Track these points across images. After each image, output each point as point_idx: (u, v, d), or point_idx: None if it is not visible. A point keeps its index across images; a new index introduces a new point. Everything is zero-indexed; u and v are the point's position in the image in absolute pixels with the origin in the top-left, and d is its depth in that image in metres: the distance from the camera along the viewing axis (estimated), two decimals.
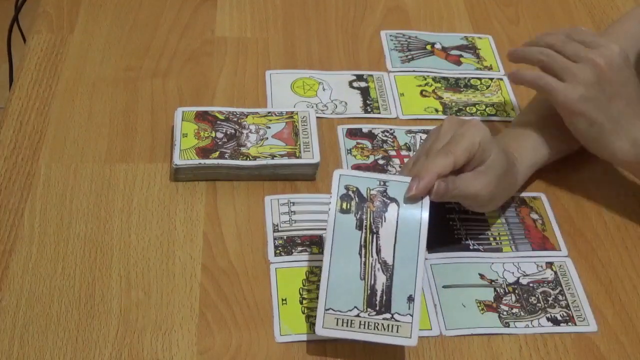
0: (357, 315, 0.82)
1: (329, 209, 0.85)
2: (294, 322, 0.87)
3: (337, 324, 0.82)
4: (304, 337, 0.86)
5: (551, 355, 0.86)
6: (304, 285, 0.90)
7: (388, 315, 0.82)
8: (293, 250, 0.94)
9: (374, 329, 0.82)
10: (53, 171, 1.01)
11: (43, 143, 1.04)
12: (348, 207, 0.85)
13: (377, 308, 0.82)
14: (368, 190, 0.86)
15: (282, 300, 0.89)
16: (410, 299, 0.82)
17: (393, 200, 0.85)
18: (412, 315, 0.82)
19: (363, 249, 0.84)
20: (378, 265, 0.83)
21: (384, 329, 0.82)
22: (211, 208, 0.98)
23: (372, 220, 0.84)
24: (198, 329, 0.86)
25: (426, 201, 0.85)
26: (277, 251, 0.94)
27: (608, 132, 0.95)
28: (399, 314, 0.82)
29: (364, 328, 0.82)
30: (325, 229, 0.85)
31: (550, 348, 0.87)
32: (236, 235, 0.95)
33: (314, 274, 0.91)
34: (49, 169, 1.01)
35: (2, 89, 1.85)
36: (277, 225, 0.96)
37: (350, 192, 0.85)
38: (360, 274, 0.83)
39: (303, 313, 0.88)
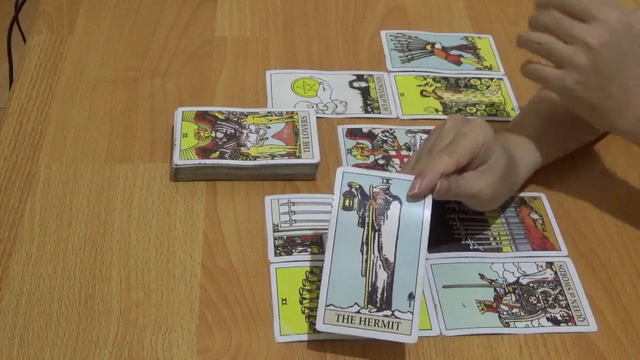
0: (358, 312, 0.82)
1: (332, 206, 0.85)
2: (294, 322, 0.87)
3: (337, 320, 0.82)
4: (304, 337, 0.86)
5: (551, 355, 0.86)
6: (304, 285, 0.90)
7: (388, 312, 0.82)
8: (293, 250, 0.94)
9: (374, 325, 0.82)
10: (53, 171, 1.01)
11: (43, 143, 1.04)
12: (350, 204, 0.85)
13: (378, 305, 0.83)
14: (371, 188, 0.86)
15: (282, 300, 0.89)
16: (411, 296, 0.83)
17: (395, 198, 0.85)
18: (412, 313, 0.82)
19: (365, 246, 0.84)
20: (379, 263, 0.84)
21: (384, 326, 0.82)
22: (211, 208, 0.98)
23: (374, 218, 0.85)
24: (198, 329, 0.86)
25: (428, 200, 0.86)
26: (277, 251, 0.94)
27: (611, 112, 0.91)
28: (399, 311, 0.82)
29: (364, 325, 0.82)
30: (326, 228, 0.85)
31: (550, 348, 0.87)
32: (236, 235, 0.95)
33: (314, 274, 0.91)
34: (49, 169, 1.01)
35: (2, 89, 1.85)
36: (277, 225, 0.96)
37: (353, 190, 0.86)
38: (362, 270, 0.83)
39: (303, 313, 0.88)
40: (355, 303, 0.83)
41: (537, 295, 0.91)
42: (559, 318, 0.89)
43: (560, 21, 0.91)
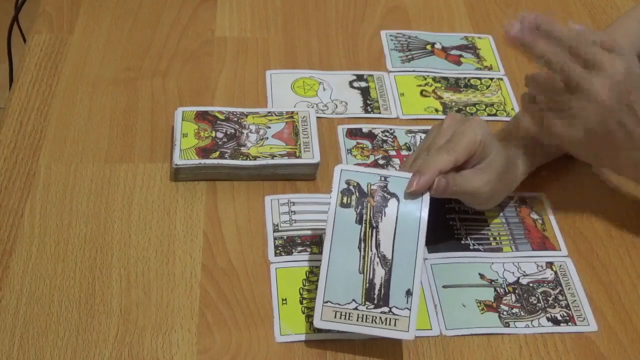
0: (355, 309, 0.83)
1: (330, 203, 0.85)
2: (294, 322, 0.87)
3: (335, 317, 0.82)
4: (304, 337, 0.86)
5: (551, 355, 0.86)
6: (304, 285, 0.90)
7: (386, 309, 0.82)
8: (293, 250, 0.94)
9: (372, 322, 0.82)
10: (53, 171, 1.01)
11: (43, 143, 1.04)
12: (348, 201, 0.85)
13: (375, 302, 0.83)
14: (369, 185, 0.86)
15: (282, 300, 0.89)
16: (409, 293, 0.83)
17: (393, 195, 0.85)
18: (409, 310, 0.82)
19: (362, 243, 0.84)
20: (377, 260, 0.84)
21: (382, 323, 0.82)
22: (211, 208, 0.98)
23: (372, 215, 0.85)
24: (198, 329, 0.86)
25: (426, 197, 0.86)
26: (277, 251, 0.94)
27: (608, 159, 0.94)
28: (397, 308, 0.82)
29: (362, 321, 0.82)
30: (325, 227, 0.85)
31: (550, 348, 0.87)
32: (236, 235, 0.95)
33: (314, 274, 0.91)
34: (49, 169, 1.01)
35: (2, 89, 1.85)
36: (277, 225, 0.96)
37: (351, 187, 0.86)
38: (359, 267, 0.84)
39: (303, 313, 0.88)
40: (353, 300, 0.83)
41: (537, 295, 0.91)
42: (559, 318, 0.89)
43: (565, 64, 0.89)
